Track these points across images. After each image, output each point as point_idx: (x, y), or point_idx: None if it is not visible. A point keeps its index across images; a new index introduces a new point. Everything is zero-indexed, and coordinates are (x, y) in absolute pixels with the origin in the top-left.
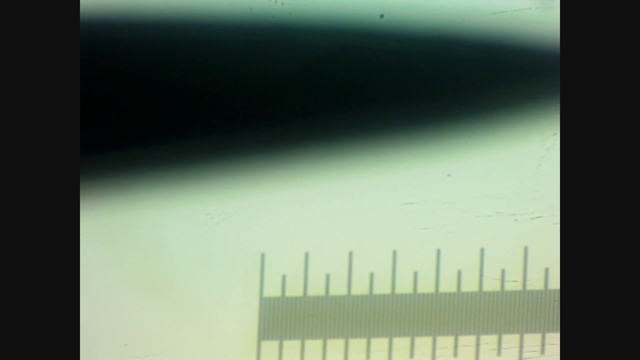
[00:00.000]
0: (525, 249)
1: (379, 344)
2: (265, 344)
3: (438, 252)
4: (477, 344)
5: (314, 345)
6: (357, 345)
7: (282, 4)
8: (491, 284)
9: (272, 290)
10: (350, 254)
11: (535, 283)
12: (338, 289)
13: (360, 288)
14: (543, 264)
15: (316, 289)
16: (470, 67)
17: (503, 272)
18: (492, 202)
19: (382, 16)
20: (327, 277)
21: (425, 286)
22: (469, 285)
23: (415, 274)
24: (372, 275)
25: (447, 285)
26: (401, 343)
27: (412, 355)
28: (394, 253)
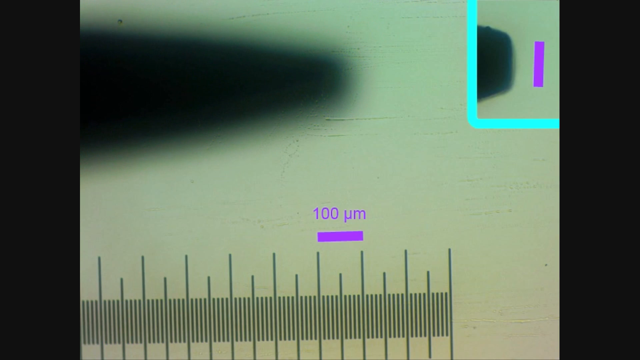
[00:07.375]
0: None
1: None
2: None
3: (186, 257)
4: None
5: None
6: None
7: None
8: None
9: None
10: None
11: (285, 289)
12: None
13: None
14: (293, 271)
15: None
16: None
17: (252, 278)
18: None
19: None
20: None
21: (176, 293)
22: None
23: (165, 280)
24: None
25: (198, 292)
26: None
27: None
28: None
